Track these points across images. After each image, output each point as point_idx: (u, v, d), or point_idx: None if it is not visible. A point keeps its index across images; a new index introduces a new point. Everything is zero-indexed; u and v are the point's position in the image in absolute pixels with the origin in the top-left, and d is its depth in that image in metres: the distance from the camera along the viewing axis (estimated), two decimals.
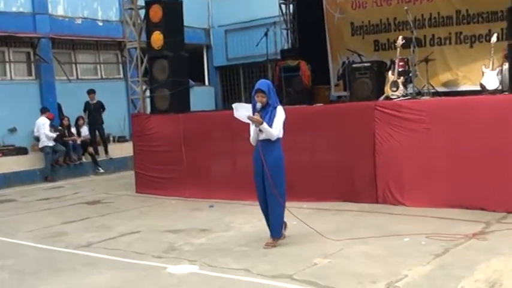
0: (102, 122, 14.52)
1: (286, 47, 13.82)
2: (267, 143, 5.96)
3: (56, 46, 14.79)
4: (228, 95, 18.90)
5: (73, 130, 14.04)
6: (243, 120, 6.12)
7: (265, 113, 5.93)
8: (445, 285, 4.59)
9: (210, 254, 5.95)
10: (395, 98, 8.58)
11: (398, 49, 8.99)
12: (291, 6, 14.05)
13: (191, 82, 13.54)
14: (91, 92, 14.36)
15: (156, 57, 10.33)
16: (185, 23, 10.92)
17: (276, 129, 5.92)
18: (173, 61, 10.20)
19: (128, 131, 15.05)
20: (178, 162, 9.84)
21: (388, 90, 8.82)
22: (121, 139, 15.42)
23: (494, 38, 8.37)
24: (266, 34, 12.20)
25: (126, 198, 10.13)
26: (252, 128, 6.02)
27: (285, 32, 14.14)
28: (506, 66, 7.93)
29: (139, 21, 10.78)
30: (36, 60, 14.29)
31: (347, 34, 12.59)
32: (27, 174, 12.82)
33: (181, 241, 6.64)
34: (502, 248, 5.51)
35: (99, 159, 14.22)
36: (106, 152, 14.57)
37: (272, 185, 5.92)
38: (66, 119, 13.94)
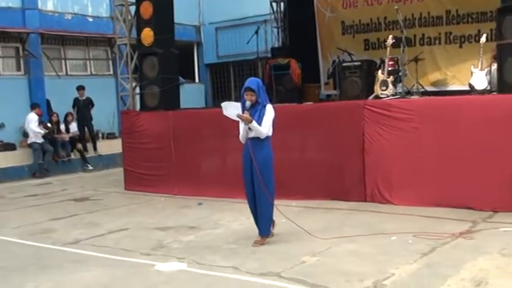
0: (91, 119, 14.46)
1: (276, 45, 13.84)
2: (256, 141, 5.96)
3: (45, 42, 14.69)
4: (218, 93, 18.88)
5: (62, 126, 13.96)
6: (232, 118, 6.12)
7: (255, 111, 5.93)
8: (431, 284, 4.62)
9: (198, 252, 5.95)
10: (384, 97, 8.62)
11: (388, 48, 9.02)
12: (282, 4, 14.07)
13: (181, 79, 13.52)
14: (80, 88, 14.29)
15: (146, 54, 10.31)
16: (176, 20, 10.92)
17: (265, 128, 5.93)
18: (163, 58, 10.18)
19: (117, 127, 14.98)
20: (167, 160, 9.81)
21: (377, 89, 8.85)
22: (110, 136, 15.37)
23: (483, 39, 8.43)
24: (257, 32, 12.22)
25: (115, 195, 10.10)
26: (242, 126, 6.02)
27: (275, 30, 14.15)
28: (494, 66, 7.98)
29: (129, 17, 10.75)
30: (25, 55, 14.19)
31: (337, 33, 12.62)
32: (15, 171, 12.74)
33: (169, 238, 6.63)
34: (488, 247, 5.55)
35: (87, 155, 14.16)
36: (95, 148, 14.51)
37: (261, 183, 5.92)
38: (55, 115, 13.86)
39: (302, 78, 12.02)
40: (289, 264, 5.31)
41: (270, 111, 5.99)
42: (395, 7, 9.87)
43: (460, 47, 11.08)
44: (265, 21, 14.44)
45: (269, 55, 13.35)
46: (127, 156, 10.49)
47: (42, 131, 12.93)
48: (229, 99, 16.44)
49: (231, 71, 18.58)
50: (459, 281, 4.67)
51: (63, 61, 15.43)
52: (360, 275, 4.91)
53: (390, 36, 9.09)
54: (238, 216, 7.48)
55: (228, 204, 8.45)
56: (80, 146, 14.02)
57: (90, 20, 15.69)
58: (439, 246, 5.70)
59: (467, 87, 8.62)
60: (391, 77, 8.84)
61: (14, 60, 14.29)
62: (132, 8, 10.68)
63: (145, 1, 10.22)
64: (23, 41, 14.18)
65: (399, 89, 9.10)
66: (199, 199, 8.95)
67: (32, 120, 12.86)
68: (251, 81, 6.02)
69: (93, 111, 14.48)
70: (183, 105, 10.93)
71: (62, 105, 14.16)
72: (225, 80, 18.81)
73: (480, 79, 8.22)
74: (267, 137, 6.02)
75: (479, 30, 10.43)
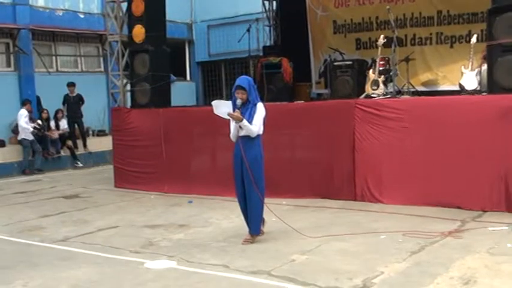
0: (82, 116, 14.41)
1: (268, 44, 13.83)
2: (247, 140, 5.96)
3: (36, 38, 14.60)
4: (210, 91, 18.85)
5: (52, 123, 13.89)
6: (223, 117, 6.11)
7: (246, 110, 5.93)
8: (420, 282, 4.64)
9: (188, 250, 5.94)
10: (375, 97, 8.66)
11: (379, 48, 9.07)
12: (274, 2, 14.07)
13: (172, 77, 13.48)
14: (71, 84, 14.23)
15: (138, 51, 10.27)
16: (167, 17, 10.89)
17: (255, 126, 5.92)
18: (154, 55, 10.15)
19: (108, 124, 14.93)
20: (157, 157, 9.79)
21: (368, 88, 8.89)
22: (100, 133, 15.30)
23: (474, 39, 8.49)
24: (248, 30, 12.21)
25: (105, 192, 10.06)
26: (232, 124, 6.02)
27: (267, 28, 14.15)
28: (484, 67, 8.02)
29: (121, 14, 10.70)
30: (15, 51, 14.07)
31: (329, 32, 12.63)
32: (5, 167, 12.66)
33: (159, 236, 6.62)
34: (476, 246, 5.59)
35: (77, 153, 14.10)
36: (85, 145, 14.44)
37: (252, 182, 5.92)
38: (45, 111, 13.79)
39: (293, 77, 12.02)
40: (278, 263, 5.31)
41: (260, 110, 5.99)
42: (387, 7, 9.90)
43: (451, 47, 11.12)
44: (257, 19, 14.42)
45: (261, 53, 13.35)
46: (117, 153, 10.46)
47: (30, 128, 12.82)
48: (221, 98, 16.48)
49: (222, 69, 18.56)
50: (448, 279, 4.70)
51: (53, 57, 15.34)
52: (349, 273, 4.92)
53: (382, 36, 9.13)
54: (228, 214, 7.48)
55: (219, 202, 8.44)
56: (69, 143, 13.96)
57: (82, 16, 15.62)
58: (428, 245, 5.73)
59: (457, 88, 8.66)
60: (382, 76, 8.88)
61: (4, 56, 14.18)
62: (124, 5, 10.63)
63: None
64: (13, 36, 14.07)
65: (390, 89, 9.14)
66: (190, 197, 8.94)
67: (21, 116, 12.78)
68: (242, 80, 6.01)
69: (84, 108, 14.42)
70: (174, 103, 10.92)
71: (52, 102, 14.09)
72: (217, 78, 18.78)
73: (470, 79, 8.27)
74: (258, 136, 6.01)
75: (470, 31, 10.48)
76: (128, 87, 10.69)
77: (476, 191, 7.14)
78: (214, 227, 6.99)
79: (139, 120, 10.04)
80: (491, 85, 7.47)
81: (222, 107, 6.25)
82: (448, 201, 7.30)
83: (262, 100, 6.24)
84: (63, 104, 14.32)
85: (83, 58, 15.96)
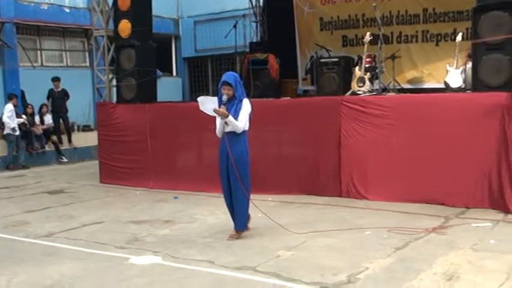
0: (67, 111, 14.30)
1: (255, 40, 13.82)
2: (233, 136, 5.95)
3: (20, 31, 14.46)
4: (196, 87, 18.80)
5: (36, 118, 13.77)
6: (209, 113, 6.09)
7: (231, 106, 5.92)
8: (404, 278, 4.67)
9: (173, 245, 5.93)
10: (361, 94, 8.70)
11: (365, 45, 9.10)
12: None
13: (158, 72, 13.43)
14: (56, 79, 14.11)
15: (123, 46, 10.22)
16: (154, 12, 10.84)
17: (241, 122, 5.92)
18: (140, 50, 10.11)
19: (93, 120, 14.84)
20: (143, 153, 9.76)
21: (354, 85, 8.92)
22: (86, 128, 15.22)
23: (459, 37, 8.55)
24: (235, 26, 12.18)
25: (90, 188, 10.01)
26: (218, 120, 6.01)
27: (254, 24, 14.14)
28: (469, 65, 8.08)
29: (107, 8, 10.63)
30: None
31: (316, 29, 12.65)
32: None
33: (144, 232, 6.60)
34: (460, 242, 5.64)
35: (62, 148, 14.01)
36: (70, 141, 14.35)
37: (238, 178, 5.92)
38: (30, 106, 13.66)
39: (280, 73, 12.02)
40: (264, 258, 5.32)
41: (246, 106, 5.98)
42: (373, 4, 9.94)
43: (437, 45, 11.19)
44: (244, 15, 14.42)
45: (247, 50, 13.34)
46: (102, 149, 10.41)
47: (12, 123, 12.63)
48: (207, 93, 16.46)
49: (208, 65, 18.52)
50: (431, 275, 4.74)
51: (38, 52, 15.21)
52: (334, 269, 4.95)
53: (368, 33, 9.16)
54: (214, 210, 7.48)
55: (204, 198, 8.44)
56: (54, 138, 13.85)
57: (67, 10, 15.49)
58: (413, 241, 5.78)
59: (442, 85, 8.73)
60: (368, 73, 8.92)
61: None
62: None
63: None
64: None
65: (376, 86, 9.19)
66: (175, 193, 8.92)
67: (6, 110, 12.64)
68: (228, 76, 6.00)
69: (69, 103, 14.32)
70: (160, 98, 10.88)
71: (36, 97, 13.97)
72: (203, 73, 18.74)
73: (455, 77, 8.33)
74: (244, 132, 6.01)
75: (455, 29, 10.56)
76: (114, 82, 10.63)
77: (460, 188, 7.21)
78: (200, 223, 6.99)
79: (125, 115, 9.99)
80: (476, 83, 7.53)
81: (207, 103, 6.23)
82: (432, 197, 7.36)
83: (248, 96, 6.23)
84: (48, 98, 14.20)
85: (68, 53, 15.85)
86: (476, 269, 4.88)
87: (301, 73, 13.00)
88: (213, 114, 5.97)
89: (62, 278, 5.03)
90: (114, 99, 10.70)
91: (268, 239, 6.04)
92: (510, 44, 7.07)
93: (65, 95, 14.22)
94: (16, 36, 14.17)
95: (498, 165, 6.98)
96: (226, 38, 12.72)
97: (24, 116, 13.19)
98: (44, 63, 15.26)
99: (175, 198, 8.68)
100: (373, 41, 9.26)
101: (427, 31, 11.27)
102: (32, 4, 14.73)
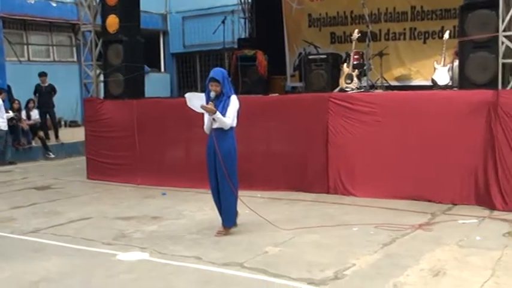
0: (53, 106, 14.20)
1: (243, 36, 13.81)
2: (220, 132, 5.95)
3: (6, 26, 14.34)
4: (184, 83, 18.76)
5: (23, 113, 13.65)
6: (196, 110, 6.08)
7: (219, 102, 5.91)
8: (391, 274, 4.70)
9: (161, 242, 5.92)
10: (349, 91, 8.71)
11: (354, 42, 9.11)
12: None
13: (146, 68, 13.37)
14: (42, 74, 13.99)
15: (111, 41, 10.15)
16: (142, 8, 10.78)
17: (229, 118, 5.91)
18: (128, 46, 10.05)
19: (81, 115, 14.76)
20: (131, 149, 9.72)
21: (342, 82, 8.94)
22: (73, 124, 15.13)
23: (446, 35, 8.61)
24: (223, 22, 12.17)
25: (77, 184, 9.95)
26: (206, 116, 6.00)
27: (242, 21, 14.12)
28: (456, 63, 8.14)
29: (94, 3, 10.54)
30: None
31: (304, 25, 12.67)
32: None
33: (132, 228, 6.58)
34: (446, 238, 5.69)
35: (49, 143, 13.90)
36: (56, 136, 14.26)
37: (225, 174, 5.92)
38: (16, 102, 13.53)
39: (268, 69, 12.03)
40: (251, 255, 5.33)
41: (234, 102, 5.98)
42: (362, 1, 9.97)
43: (424, 42, 11.25)
44: (232, 11, 14.39)
45: (236, 46, 13.32)
46: (90, 144, 10.35)
47: (0, 119, 12.49)
48: (195, 89, 16.42)
49: (197, 61, 18.48)
50: (418, 271, 4.78)
51: (25, 46, 15.09)
52: (322, 265, 4.97)
53: (356, 31, 9.18)
54: (202, 206, 7.47)
55: (192, 194, 8.43)
56: (41, 133, 13.74)
57: (54, 5, 15.37)
58: (399, 237, 5.82)
59: (430, 83, 8.78)
60: (356, 70, 8.94)
61: None
62: None
63: None
64: None
65: (364, 83, 9.22)
66: (163, 189, 8.90)
67: None
68: (216, 72, 5.99)
69: (56, 99, 14.21)
70: (148, 94, 10.83)
71: (23, 92, 13.85)
72: (191, 69, 18.70)
73: (442, 75, 8.39)
74: (231, 128, 6.00)
75: (442, 27, 10.63)
76: (101, 77, 10.57)
77: (446, 184, 7.26)
78: (188, 219, 6.98)
79: (112, 111, 9.94)
80: (463, 80, 7.58)
81: (195, 100, 6.22)
82: (419, 194, 7.40)
83: (236, 93, 6.23)
84: (35, 94, 14.08)
85: (55, 47, 15.74)
86: (462, 265, 4.92)
87: (289, 70, 13.01)
88: (200, 110, 5.96)
89: (49, 274, 5.00)
90: (102, 95, 10.64)
91: (255, 235, 6.05)
92: (496, 42, 7.12)
93: (52, 90, 14.10)
94: (2, 31, 14.05)
95: (484, 162, 7.04)
96: (215, 34, 12.70)
97: (10, 112, 13.06)
98: (31, 58, 15.15)
99: (163, 194, 8.67)
100: (361, 38, 9.29)
101: (415, 28, 11.33)
102: None
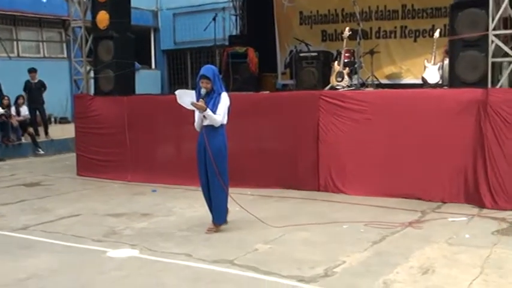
0: (43, 102, 14.11)
1: (234, 33, 13.79)
2: (211, 129, 5.94)
3: None
4: (175, 79, 18.72)
5: (12, 110, 13.56)
6: (187, 107, 6.06)
7: (210, 99, 5.90)
8: (381, 271, 4.72)
9: (151, 239, 5.91)
10: (340, 88, 8.73)
11: (345, 40, 9.13)
12: None
13: (137, 65, 13.34)
14: (32, 70, 13.90)
15: (101, 38, 10.10)
16: (132, 4, 10.72)
17: (219, 116, 5.90)
18: (119, 42, 10.00)
19: (71, 112, 14.68)
20: (121, 146, 9.68)
21: (333, 80, 8.96)
22: (63, 120, 15.06)
23: (437, 34, 8.64)
24: (214, 19, 12.13)
25: (67, 180, 9.90)
26: (197, 113, 5.98)
27: (234, 18, 14.10)
28: (446, 61, 8.18)
29: None
30: None
31: (295, 23, 12.68)
32: None
33: (122, 225, 6.56)
34: (435, 236, 5.72)
35: (39, 140, 13.81)
36: (46, 133, 14.17)
37: (216, 171, 5.91)
38: (6, 98, 13.43)
39: (259, 67, 12.02)
40: (241, 252, 5.33)
41: (225, 100, 5.97)
42: None
43: (415, 41, 11.30)
44: (223, 8, 14.36)
45: (227, 43, 13.31)
46: (80, 141, 10.30)
47: None
48: (186, 86, 16.39)
49: (188, 58, 18.44)
50: (407, 269, 4.80)
51: (14, 42, 14.98)
52: (312, 262, 4.98)
53: (347, 29, 9.20)
54: (192, 203, 7.46)
55: (183, 191, 8.41)
56: (31, 130, 13.65)
57: (44, 0, 15.25)
58: (389, 235, 5.84)
59: (420, 81, 8.82)
60: (347, 68, 8.96)
61: None
62: None
63: None
64: None
65: (354, 81, 9.24)
66: (154, 186, 8.88)
67: None
68: (207, 69, 5.97)
69: (46, 95, 14.12)
70: (138, 91, 10.78)
71: (12, 88, 13.72)
72: (182, 66, 18.66)
73: (433, 73, 8.42)
74: (222, 125, 5.99)
75: (433, 26, 10.67)
76: (92, 74, 10.52)
77: (436, 182, 7.30)
78: (178, 216, 6.97)
79: (103, 107, 9.89)
80: (453, 79, 7.62)
81: (185, 97, 6.18)
82: (409, 192, 7.43)
83: (227, 90, 6.22)
84: (24, 90, 13.98)
85: (45, 43, 15.64)
86: (451, 262, 4.94)
87: (280, 67, 13.02)
88: (191, 107, 5.94)
89: (37, 271, 4.97)
90: (92, 91, 10.59)
91: (246, 232, 6.05)
92: (486, 41, 7.15)
93: (41, 86, 14.02)
94: None
95: (474, 161, 7.07)
96: (206, 30, 12.66)
97: (1, 108, 12.97)
98: (21, 54, 15.05)
99: (154, 191, 8.65)
100: (352, 36, 9.31)
101: (406, 27, 11.38)
102: None
